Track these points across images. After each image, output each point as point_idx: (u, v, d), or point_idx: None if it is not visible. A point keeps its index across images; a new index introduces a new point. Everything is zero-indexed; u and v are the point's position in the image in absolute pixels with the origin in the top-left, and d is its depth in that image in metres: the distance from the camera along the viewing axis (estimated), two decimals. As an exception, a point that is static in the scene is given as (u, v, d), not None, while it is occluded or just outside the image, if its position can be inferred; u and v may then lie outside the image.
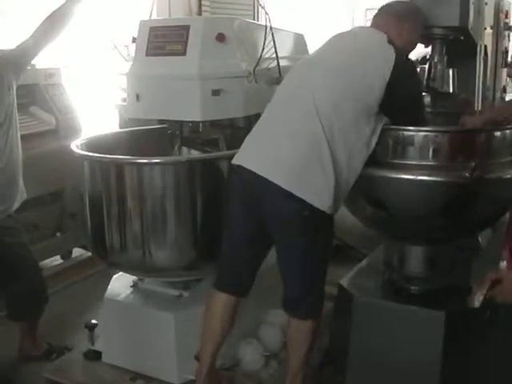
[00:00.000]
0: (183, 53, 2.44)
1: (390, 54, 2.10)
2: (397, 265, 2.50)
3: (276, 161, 2.09)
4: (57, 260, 3.97)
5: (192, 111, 2.44)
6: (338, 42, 2.26)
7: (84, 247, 3.96)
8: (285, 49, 2.93)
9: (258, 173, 2.09)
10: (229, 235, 2.27)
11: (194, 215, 2.39)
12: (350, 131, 2.08)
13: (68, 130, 3.77)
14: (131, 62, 2.63)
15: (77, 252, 4.08)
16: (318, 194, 2.06)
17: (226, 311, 2.29)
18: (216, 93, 2.44)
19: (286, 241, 2.17)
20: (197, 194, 2.38)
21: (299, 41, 3.21)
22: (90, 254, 4.01)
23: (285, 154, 2.08)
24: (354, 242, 3.82)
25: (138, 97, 2.55)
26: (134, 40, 2.70)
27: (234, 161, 2.19)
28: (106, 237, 2.47)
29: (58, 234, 3.90)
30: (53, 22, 2.88)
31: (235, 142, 2.40)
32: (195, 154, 2.72)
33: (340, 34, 2.30)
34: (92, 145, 2.67)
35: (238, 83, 2.50)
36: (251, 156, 2.16)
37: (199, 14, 8.96)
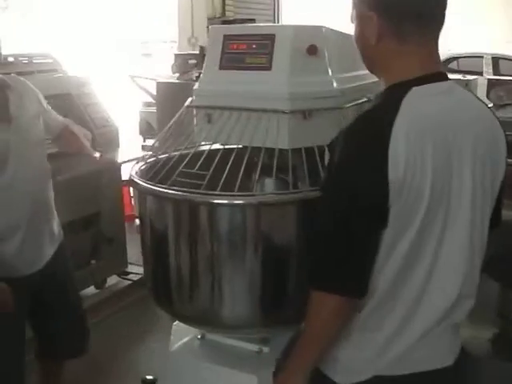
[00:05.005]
0: (268, 67, 2.05)
1: None
2: None
3: None
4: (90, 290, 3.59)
5: (278, 137, 2.04)
6: None
7: (120, 274, 3.60)
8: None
9: None
10: None
11: (281, 262, 2.01)
12: None
13: (105, 146, 3.36)
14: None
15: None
16: None
17: None
18: (306, 115, 2.05)
19: None
20: (284, 238, 2.00)
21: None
22: (126, 282, 3.67)
23: None
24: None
25: (209, 118, 2.16)
26: (202, 50, 2.31)
27: None
28: (172, 285, 2.10)
29: (93, 261, 3.51)
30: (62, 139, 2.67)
31: (315, 168, 2.01)
32: (269, 182, 2.32)
33: None
34: (149, 170, 2.27)
35: (330, 104, 2.09)
36: None
37: (223, 14, 8.67)
